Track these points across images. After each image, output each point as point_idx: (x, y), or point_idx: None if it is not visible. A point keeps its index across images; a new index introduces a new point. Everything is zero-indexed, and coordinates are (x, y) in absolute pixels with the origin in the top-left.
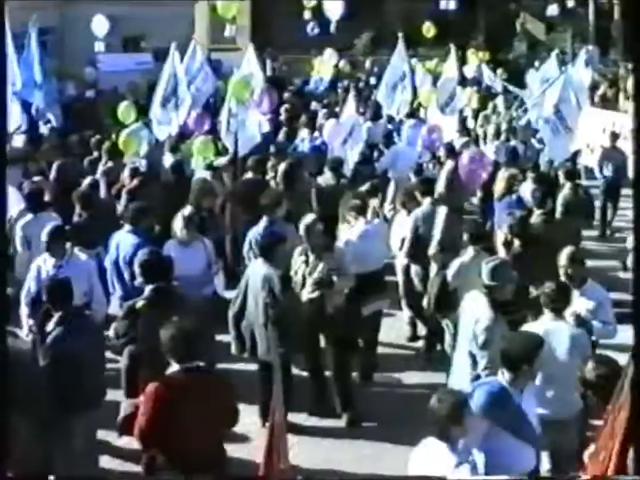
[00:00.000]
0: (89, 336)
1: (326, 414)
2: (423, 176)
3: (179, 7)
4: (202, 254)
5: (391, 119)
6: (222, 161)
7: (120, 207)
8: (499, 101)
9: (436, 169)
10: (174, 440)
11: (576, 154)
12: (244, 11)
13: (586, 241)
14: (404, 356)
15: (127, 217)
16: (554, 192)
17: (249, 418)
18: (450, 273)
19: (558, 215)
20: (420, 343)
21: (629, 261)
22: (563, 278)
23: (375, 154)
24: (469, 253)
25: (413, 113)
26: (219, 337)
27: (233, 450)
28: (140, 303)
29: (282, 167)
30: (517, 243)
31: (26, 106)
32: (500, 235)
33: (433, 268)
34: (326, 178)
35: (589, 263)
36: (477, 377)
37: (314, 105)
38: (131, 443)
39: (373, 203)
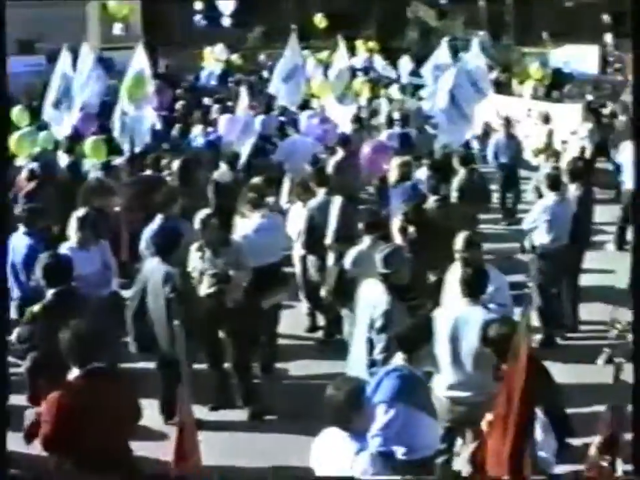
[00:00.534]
0: None
1: (228, 407)
2: (317, 166)
3: (71, 8)
4: (97, 255)
5: (284, 111)
6: (118, 160)
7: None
8: (393, 89)
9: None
10: (80, 444)
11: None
12: (135, 9)
13: (486, 225)
14: (304, 347)
15: (22, 218)
16: (449, 177)
17: (151, 415)
18: (347, 262)
19: (453, 200)
20: (319, 334)
21: (527, 243)
22: (459, 262)
23: (269, 147)
24: (365, 241)
25: (306, 105)
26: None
27: (138, 448)
28: (37, 307)
29: (176, 163)
30: (412, 229)
31: None
32: (396, 222)
33: (330, 258)
34: (221, 172)
35: (489, 246)
36: (373, 363)
37: (207, 100)
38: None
39: (269, 195)
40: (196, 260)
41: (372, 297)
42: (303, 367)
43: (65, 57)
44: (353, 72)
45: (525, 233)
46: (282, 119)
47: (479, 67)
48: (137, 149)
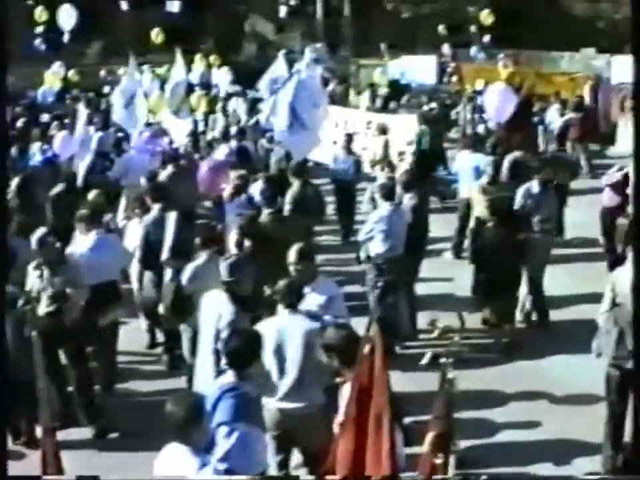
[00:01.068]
0: None
1: (71, 426)
2: (153, 182)
3: None
4: None
5: (121, 127)
6: None
7: None
8: (232, 103)
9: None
10: None
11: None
12: None
13: (322, 237)
14: (144, 363)
15: None
16: (284, 190)
17: None
18: (184, 278)
19: (286, 212)
20: (159, 350)
21: (362, 254)
22: (293, 274)
23: (107, 163)
24: (202, 256)
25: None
26: None
27: None
28: None
29: (14, 182)
30: (247, 243)
31: None
32: (232, 236)
33: (167, 274)
34: (59, 190)
35: (325, 257)
36: (220, 374)
37: (46, 117)
38: None
39: (106, 212)
40: (34, 279)
41: (216, 308)
42: (144, 384)
43: None
44: (190, 86)
45: (361, 243)
46: (119, 135)
47: (312, 77)
48: None
